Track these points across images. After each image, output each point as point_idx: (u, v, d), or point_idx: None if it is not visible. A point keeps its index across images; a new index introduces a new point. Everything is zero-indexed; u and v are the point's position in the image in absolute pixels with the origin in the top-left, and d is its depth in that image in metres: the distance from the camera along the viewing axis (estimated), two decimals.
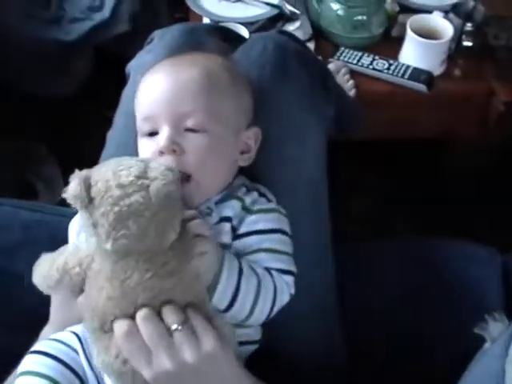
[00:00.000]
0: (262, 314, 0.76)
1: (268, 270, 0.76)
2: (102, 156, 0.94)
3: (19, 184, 1.59)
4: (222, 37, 0.93)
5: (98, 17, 1.81)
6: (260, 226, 0.78)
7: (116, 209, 0.62)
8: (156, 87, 0.78)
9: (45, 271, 0.70)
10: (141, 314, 0.66)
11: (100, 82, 1.79)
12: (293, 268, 0.79)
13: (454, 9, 1.46)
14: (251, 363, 0.82)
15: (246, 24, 1.45)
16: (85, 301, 0.70)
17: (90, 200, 0.63)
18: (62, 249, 0.72)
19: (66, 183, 0.67)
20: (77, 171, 0.66)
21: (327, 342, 0.94)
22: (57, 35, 1.83)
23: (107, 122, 1.00)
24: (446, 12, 1.48)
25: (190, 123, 0.76)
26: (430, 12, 1.50)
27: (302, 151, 0.86)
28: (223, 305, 0.72)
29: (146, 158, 0.71)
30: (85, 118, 1.87)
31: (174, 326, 0.66)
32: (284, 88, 0.85)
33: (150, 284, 0.66)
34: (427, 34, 1.44)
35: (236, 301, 0.73)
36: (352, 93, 1.40)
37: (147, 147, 0.78)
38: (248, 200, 0.79)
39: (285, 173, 0.85)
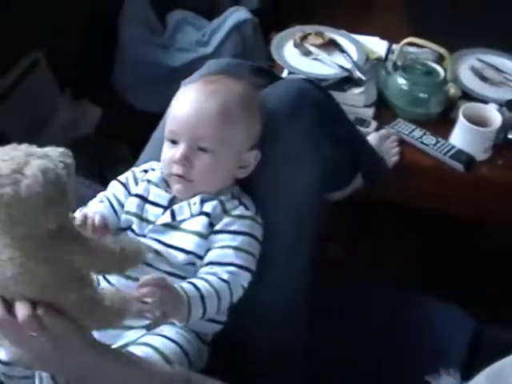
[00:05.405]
0: (225, 307, 0.95)
1: (228, 267, 0.94)
2: (144, 151, 1.14)
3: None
4: (261, 75, 1.12)
5: (202, 51, 2.06)
6: (233, 228, 0.96)
7: None
8: (183, 109, 0.98)
9: None
10: None
11: None
12: (252, 267, 0.96)
13: (508, 104, 1.57)
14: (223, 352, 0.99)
15: (318, 80, 1.63)
16: None
17: None
18: None
19: None
20: None
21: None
22: (164, 60, 2.10)
23: None
24: (501, 105, 1.59)
25: (202, 144, 0.97)
26: (486, 102, 1.61)
27: (294, 178, 1.02)
28: (197, 319, 0.90)
29: (35, 151, 0.72)
30: None
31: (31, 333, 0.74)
32: (293, 125, 1.02)
33: (18, 261, 0.71)
34: (478, 121, 1.55)
35: (205, 314, 0.91)
36: (394, 159, 1.53)
37: (167, 152, 1.00)
38: (229, 205, 0.98)
39: (275, 191, 1.02)
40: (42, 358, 0.76)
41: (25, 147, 0.72)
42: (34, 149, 0.72)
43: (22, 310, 0.72)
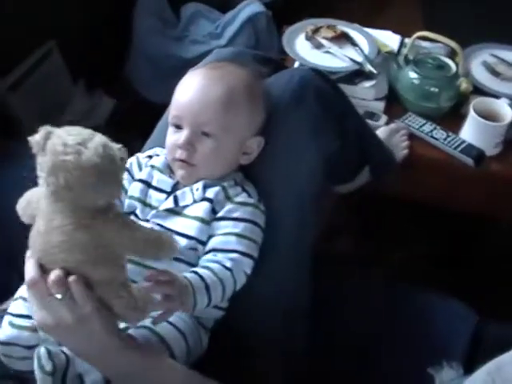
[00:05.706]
0: (230, 294, 0.95)
1: (231, 254, 0.94)
2: (149, 138, 1.15)
3: None
4: (267, 64, 1.12)
5: (215, 43, 2.06)
6: (236, 215, 0.96)
7: (54, 159, 0.74)
8: (187, 94, 0.99)
9: (20, 204, 0.83)
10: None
11: None
12: (254, 254, 0.96)
13: None
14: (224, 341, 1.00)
15: (328, 73, 1.62)
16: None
17: (44, 148, 0.75)
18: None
19: None
20: (46, 126, 0.78)
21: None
22: (177, 52, 2.11)
23: None
24: None
25: (205, 129, 0.97)
26: (498, 97, 1.60)
27: (296, 168, 1.02)
28: (202, 308, 0.90)
29: (99, 134, 0.79)
30: None
31: (56, 294, 0.77)
32: (295, 114, 1.02)
33: (66, 229, 0.76)
34: (489, 116, 1.54)
35: (210, 303, 0.91)
36: (403, 153, 1.53)
37: (171, 136, 1.00)
38: (231, 191, 0.98)
39: (277, 181, 1.02)
40: (61, 328, 0.78)
41: (91, 130, 0.79)
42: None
43: (54, 273, 0.76)
